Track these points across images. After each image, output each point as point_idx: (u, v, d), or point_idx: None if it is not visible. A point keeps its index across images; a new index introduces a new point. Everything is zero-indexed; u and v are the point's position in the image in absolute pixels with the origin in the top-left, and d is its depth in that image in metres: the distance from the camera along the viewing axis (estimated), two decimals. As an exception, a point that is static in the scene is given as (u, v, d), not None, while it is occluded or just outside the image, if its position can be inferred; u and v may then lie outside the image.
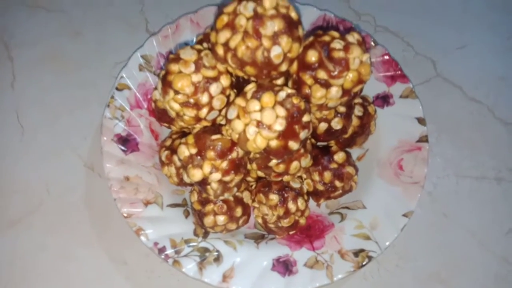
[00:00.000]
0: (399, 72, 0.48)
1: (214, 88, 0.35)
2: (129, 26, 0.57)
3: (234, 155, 0.36)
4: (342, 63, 0.33)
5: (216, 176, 0.36)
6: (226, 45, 0.32)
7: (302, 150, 0.38)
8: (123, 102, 0.46)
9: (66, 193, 0.47)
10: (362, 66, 0.33)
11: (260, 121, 0.33)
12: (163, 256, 0.40)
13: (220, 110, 0.36)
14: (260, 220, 0.43)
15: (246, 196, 0.42)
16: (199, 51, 0.35)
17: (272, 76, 0.34)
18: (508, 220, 0.48)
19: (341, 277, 0.40)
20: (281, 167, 0.38)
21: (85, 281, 0.43)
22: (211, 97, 0.35)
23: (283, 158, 0.37)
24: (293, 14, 0.33)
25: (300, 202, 0.41)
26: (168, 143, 0.43)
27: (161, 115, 0.43)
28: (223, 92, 0.36)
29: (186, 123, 0.37)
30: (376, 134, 0.47)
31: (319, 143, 0.45)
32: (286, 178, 0.40)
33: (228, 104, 0.36)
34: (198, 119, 0.36)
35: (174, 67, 0.35)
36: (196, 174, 0.36)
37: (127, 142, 0.45)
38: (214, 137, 0.36)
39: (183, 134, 0.44)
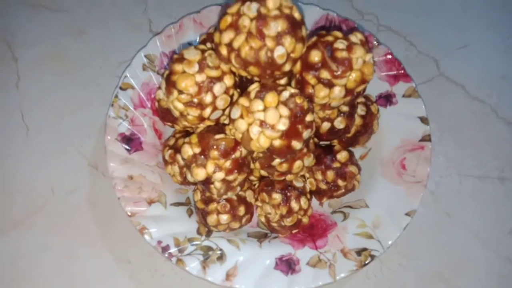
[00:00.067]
0: (402, 71, 0.48)
1: (217, 88, 0.35)
2: (132, 26, 0.57)
3: (237, 154, 0.36)
4: (345, 63, 0.33)
5: (220, 175, 0.36)
6: (229, 45, 0.33)
7: (305, 150, 0.39)
8: (127, 102, 0.46)
9: (70, 192, 0.47)
10: (365, 66, 0.34)
11: (264, 121, 0.33)
12: (166, 255, 0.40)
13: (223, 110, 0.37)
14: (263, 219, 0.43)
15: (249, 195, 0.42)
16: (203, 51, 0.35)
17: (275, 76, 0.34)
18: (511, 219, 0.48)
19: (343, 276, 0.40)
20: (284, 166, 0.38)
21: (88, 281, 0.44)
22: (215, 97, 0.35)
23: (286, 157, 0.37)
24: (297, 15, 0.33)
25: (303, 201, 0.41)
26: (171, 142, 0.44)
27: (164, 114, 0.44)
28: (226, 92, 0.36)
29: (190, 122, 0.37)
30: (379, 133, 0.47)
31: (322, 142, 0.45)
32: (289, 177, 0.40)
33: (232, 103, 0.36)
34: (201, 118, 0.36)
35: (178, 67, 0.35)
36: (200, 173, 0.36)
37: (130, 141, 0.45)
38: (217, 136, 0.36)
39: (186, 133, 0.44)
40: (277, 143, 0.33)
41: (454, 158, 0.51)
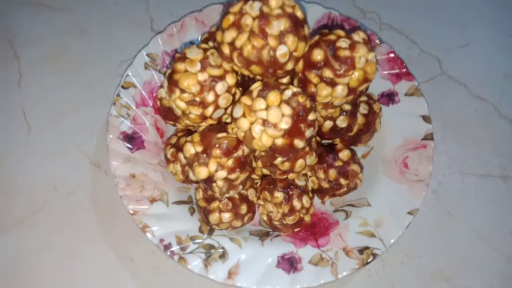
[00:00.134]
0: (404, 70, 0.48)
1: (220, 87, 0.35)
2: (134, 25, 0.57)
3: (239, 153, 0.36)
4: (348, 61, 0.33)
5: (222, 174, 0.36)
6: (232, 44, 0.33)
7: (307, 148, 0.39)
8: (129, 100, 0.46)
9: (72, 191, 0.47)
10: (367, 65, 0.34)
11: (266, 120, 0.33)
12: (168, 253, 0.40)
13: (225, 109, 0.37)
14: (265, 218, 0.43)
15: (251, 194, 0.42)
16: (205, 50, 0.35)
17: (278, 75, 0.34)
18: (513, 218, 0.48)
19: (345, 274, 0.40)
20: (286, 165, 0.38)
21: (90, 279, 0.44)
22: (217, 96, 0.35)
23: (288, 156, 0.37)
24: (299, 13, 0.33)
25: (305, 199, 0.41)
26: (173, 140, 0.44)
27: (166, 113, 0.44)
28: (228, 90, 0.36)
29: (192, 121, 0.37)
30: (381, 132, 0.47)
31: (324, 141, 0.45)
32: (291, 176, 0.40)
33: (234, 102, 0.36)
34: (204, 117, 0.36)
35: (180, 66, 0.35)
36: (202, 172, 0.36)
37: (133, 139, 0.45)
38: (219, 135, 0.36)
39: (188, 132, 0.44)
40: (280, 141, 0.33)
41: (456, 157, 0.51)
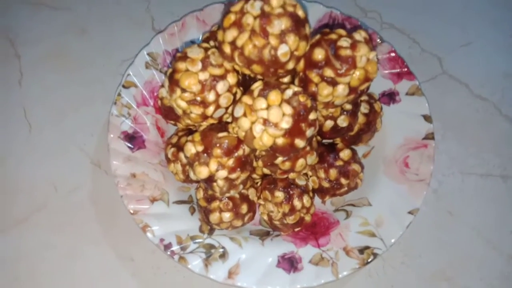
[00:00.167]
0: (406, 69, 0.48)
1: (220, 86, 0.35)
2: (135, 24, 0.57)
3: (240, 152, 0.36)
4: (349, 61, 0.33)
5: (222, 173, 0.36)
6: (233, 43, 0.33)
7: (308, 148, 0.39)
8: (130, 100, 0.46)
9: (72, 190, 0.47)
10: (369, 64, 0.33)
11: (267, 119, 0.33)
12: (169, 253, 0.40)
13: (226, 108, 0.37)
14: (265, 217, 0.43)
15: (251, 193, 0.42)
16: (206, 50, 0.35)
17: (278, 74, 0.34)
18: (514, 218, 0.48)
19: (346, 274, 0.40)
20: (287, 165, 0.38)
21: (91, 279, 0.44)
22: (218, 95, 0.35)
23: (289, 155, 0.37)
24: (300, 13, 0.33)
25: (306, 199, 0.41)
26: (174, 140, 0.44)
27: (167, 112, 0.44)
28: (229, 90, 0.36)
29: (193, 120, 0.37)
30: (382, 132, 0.46)
31: (324, 141, 0.45)
32: (291, 175, 0.40)
33: (235, 102, 0.36)
34: (204, 117, 0.36)
35: (181, 65, 0.35)
36: (203, 172, 0.36)
37: (133, 139, 0.45)
38: (220, 134, 0.36)
39: (189, 131, 0.44)
40: (280, 141, 0.33)
41: (457, 156, 0.51)
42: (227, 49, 0.33)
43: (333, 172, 0.42)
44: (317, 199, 0.45)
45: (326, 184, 0.42)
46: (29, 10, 0.57)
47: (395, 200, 0.43)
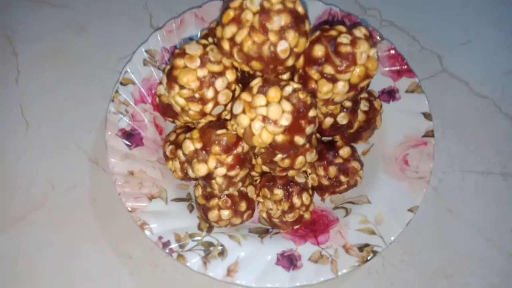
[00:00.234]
0: (405, 66, 0.48)
1: (219, 83, 0.35)
2: (133, 21, 0.57)
3: (239, 149, 0.36)
4: (349, 57, 0.33)
5: (221, 171, 0.36)
6: (232, 40, 0.32)
7: (307, 145, 0.38)
8: (128, 97, 0.46)
9: (70, 188, 0.47)
10: (369, 61, 0.33)
11: (266, 116, 0.32)
12: (167, 251, 0.40)
13: (225, 105, 0.36)
14: (264, 215, 0.43)
15: (250, 191, 0.42)
16: (204, 46, 0.35)
17: (278, 71, 0.34)
18: (514, 215, 0.48)
19: (345, 271, 0.40)
20: (286, 162, 0.38)
21: (89, 276, 0.43)
22: (217, 92, 0.35)
23: (288, 153, 0.37)
24: (300, 9, 0.32)
25: (305, 196, 0.41)
26: (172, 137, 0.43)
27: (165, 109, 0.43)
28: (228, 87, 0.35)
29: (191, 118, 0.37)
30: (381, 129, 0.46)
31: (324, 138, 0.45)
32: (291, 173, 0.40)
33: (234, 99, 0.36)
34: (203, 114, 0.36)
35: (179, 62, 0.34)
36: (201, 169, 0.36)
37: (131, 136, 0.45)
38: (219, 131, 0.36)
39: (187, 128, 0.44)
40: (280, 138, 0.33)
41: (457, 154, 0.51)
42: (226, 45, 0.33)
43: (332, 170, 0.41)
44: (316, 197, 0.45)
45: (325, 182, 0.42)
46: (27, 8, 0.57)
47: (394, 198, 0.43)
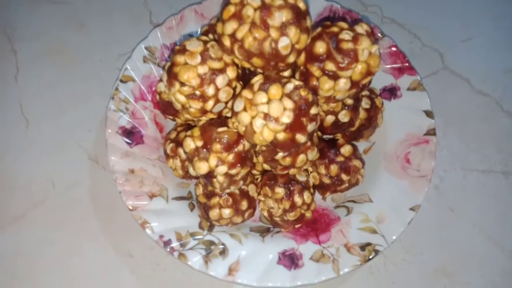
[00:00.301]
0: (407, 64, 0.48)
1: (220, 80, 0.34)
2: (132, 18, 0.56)
3: (240, 147, 0.36)
4: (351, 54, 0.32)
5: (222, 169, 0.35)
6: (233, 36, 0.32)
7: (309, 143, 0.38)
8: (128, 94, 0.46)
9: (70, 186, 0.47)
10: (371, 58, 0.33)
11: (267, 114, 0.32)
12: (168, 249, 0.40)
13: (226, 103, 0.36)
14: (265, 214, 0.43)
15: (251, 189, 0.42)
16: (205, 42, 0.35)
17: (279, 67, 0.34)
18: (515, 214, 0.48)
19: (347, 271, 0.40)
20: (288, 160, 0.38)
21: (90, 275, 0.43)
22: (217, 89, 0.35)
23: (290, 151, 0.36)
24: (301, 5, 0.32)
25: (306, 195, 0.41)
26: (173, 135, 0.43)
27: (165, 107, 0.43)
28: (229, 84, 0.35)
29: (192, 115, 0.36)
30: (383, 127, 0.46)
31: (325, 136, 0.44)
32: (292, 171, 0.40)
33: (235, 96, 0.36)
34: (204, 111, 0.36)
35: (180, 59, 0.34)
36: (202, 167, 0.35)
37: (131, 134, 0.45)
38: (220, 129, 0.35)
39: (188, 126, 0.44)
40: (281, 136, 0.33)
41: (458, 152, 0.51)
42: (226, 41, 0.33)
43: (334, 168, 0.41)
44: (317, 196, 0.44)
45: (327, 180, 0.42)
46: (26, 5, 0.57)
47: (396, 197, 0.43)
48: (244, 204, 0.41)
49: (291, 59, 0.33)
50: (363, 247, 0.41)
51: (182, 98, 0.35)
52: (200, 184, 0.41)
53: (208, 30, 0.43)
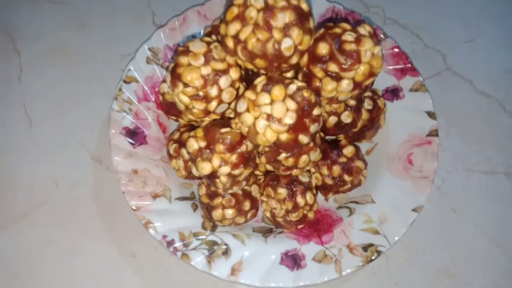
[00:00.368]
0: (409, 65, 0.48)
1: (223, 81, 0.34)
2: (135, 18, 0.56)
3: (243, 148, 0.36)
4: (354, 55, 0.32)
5: (225, 169, 0.35)
6: (236, 37, 0.32)
7: (311, 144, 0.38)
8: (131, 95, 0.46)
9: (73, 186, 0.47)
10: (373, 59, 0.33)
11: (270, 114, 0.32)
12: (171, 249, 0.40)
13: (229, 103, 0.36)
14: (268, 214, 0.43)
15: (254, 190, 0.42)
16: (208, 44, 0.35)
17: (282, 68, 0.34)
18: (518, 215, 0.48)
19: (349, 271, 0.40)
20: (290, 161, 0.38)
21: (93, 275, 0.43)
22: (221, 90, 0.35)
23: (292, 151, 0.37)
24: (304, 6, 0.32)
25: (309, 196, 0.41)
26: (176, 136, 0.43)
27: (169, 108, 0.43)
28: (232, 85, 0.35)
29: (195, 116, 0.36)
30: (385, 128, 0.46)
31: (328, 137, 0.44)
32: (295, 172, 0.40)
33: (238, 97, 0.36)
34: (207, 112, 0.36)
35: (183, 60, 0.34)
36: (205, 168, 0.35)
37: (135, 135, 0.45)
38: (223, 130, 0.36)
39: (191, 127, 0.44)
40: (284, 137, 0.33)
41: (460, 153, 0.51)
42: (230, 43, 0.33)
43: (336, 169, 0.41)
44: (320, 196, 0.44)
45: (329, 181, 0.42)
46: (29, 5, 0.57)
47: (398, 197, 0.43)
48: (247, 205, 0.41)
49: (294, 60, 0.33)
50: (365, 248, 0.41)
51: (185, 99, 0.35)
52: (203, 185, 0.41)
53: (211, 31, 0.43)
